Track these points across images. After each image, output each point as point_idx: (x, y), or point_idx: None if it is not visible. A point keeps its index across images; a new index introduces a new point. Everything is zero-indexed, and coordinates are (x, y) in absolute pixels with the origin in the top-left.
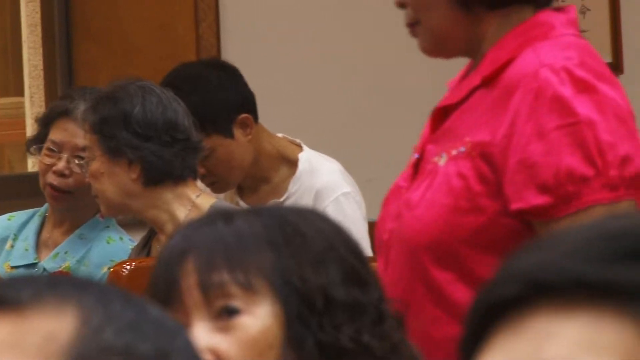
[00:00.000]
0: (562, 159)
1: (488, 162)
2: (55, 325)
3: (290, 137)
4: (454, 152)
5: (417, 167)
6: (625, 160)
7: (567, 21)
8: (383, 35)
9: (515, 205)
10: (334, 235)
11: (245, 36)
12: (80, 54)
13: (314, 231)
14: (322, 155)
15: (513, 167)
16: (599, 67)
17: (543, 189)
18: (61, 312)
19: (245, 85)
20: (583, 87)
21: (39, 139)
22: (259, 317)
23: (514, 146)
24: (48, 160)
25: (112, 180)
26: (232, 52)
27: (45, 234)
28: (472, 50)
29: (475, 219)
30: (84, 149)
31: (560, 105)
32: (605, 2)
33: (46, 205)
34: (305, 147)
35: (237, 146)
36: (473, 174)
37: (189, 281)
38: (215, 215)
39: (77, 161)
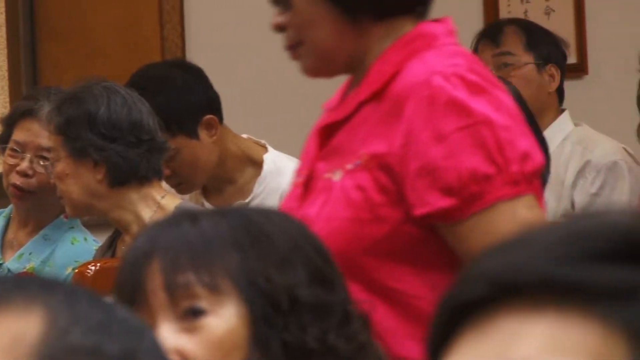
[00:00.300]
0: (464, 160)
1: (387, 172)
2: (23, 326)
3: (255, 138)
4: (349, 167)
5: (306, 187)
6: (524, 156)
7: (447, 31)
8: None
9: (419, 211)
10: (299, 236)
11: (209, 37)
12: (45, 55)
13: (279, 232)
14: (287, 156)
15: (414, 173)
16: (487, 74)
17: (447, 191)
18: (28, 313)
19: (210, 86)
20: (476, 89)
21: (3, 139)
22: (224, 318)
23: (412, 154)
24: (11, 161)
25: (77, 181)
26: (197, 53)
27: (10, 234)
28: (356, 65)
29: (377, 229)
30: (47, 149)
31: (457, 108)
32: (569, 4)
33: (11, 206)
34: (270, 148)
35: (202, 147)
36: (372, 185)
37: (155, 282)
38: (181, 216)
39: (42, 162)
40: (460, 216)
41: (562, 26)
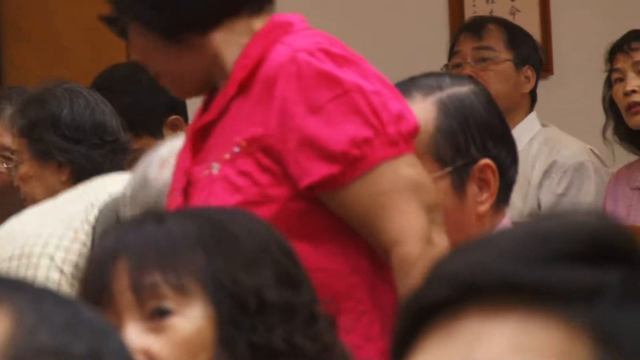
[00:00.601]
0: (342, 127)
1: (267, 153)
2: None
3: None
4: (226, 156)
5: (186, 193)
6: (399, 117)
7: (301, 20)
8: None
9: (305, 182)
10: (266, 236)
11: None
12: (11, 55)
13: (246, 232)
14: None
15: (294, 148)
16: (348, 49)
17: (330, 159)
18: None
19: None
20: (342, 61)
21: None
22: (191, 319)
23: (289, 129)
24: None
25: (42, 184)
26: None
27: None
28: (216, 74)
29: (267, 209)
30: (9, 149)
31: (327, 80)
32: (535, 4)
33: None
34: None
35: None
36: (256, 168)
37: (121, 282)
38: (147, 217)
39: (5, 164)
40: (346, 180)
41: (527, 26)
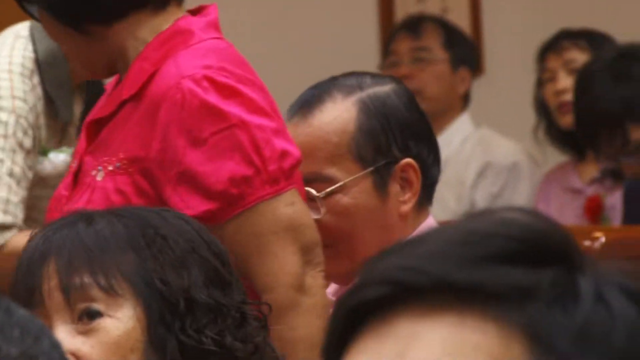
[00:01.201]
0: (222, 164)
1: (146, 177)
2: None
3: None
4: (110, 168)
5: (76, 177)
6: (282, 153)
7: (207, 24)
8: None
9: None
10: (196, 237)
11: None
12: None
13: (176, 233)
14: None
15: (175, 178)
16: (239, 70)
17: (208, 195)
18: None
19: None
20: (227, 92)
21: None
22: (120, 320)
23: (170, 159)
24: None
25: None
26: None
27: None
28: (118, 64)
29: None
30: None
31: (210, 112)
32: (465, 3)
33: None
34: None
35: None
36: (132, 189)
37: (50, 284)
38: (76, 217)
39: None
40: (223, 218)
41: (458, 25)
